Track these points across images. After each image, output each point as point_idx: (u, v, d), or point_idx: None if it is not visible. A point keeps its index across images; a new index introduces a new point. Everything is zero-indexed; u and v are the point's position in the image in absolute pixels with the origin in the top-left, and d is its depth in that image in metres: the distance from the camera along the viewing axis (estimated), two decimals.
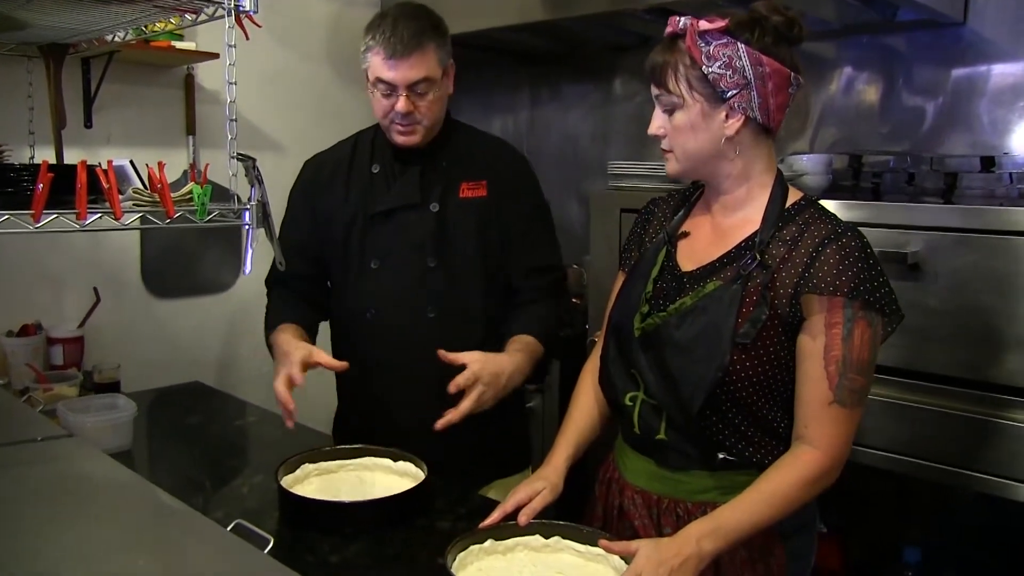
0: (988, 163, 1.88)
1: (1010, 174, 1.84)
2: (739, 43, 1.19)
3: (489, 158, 1.74)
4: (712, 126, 1.22)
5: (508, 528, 1.26)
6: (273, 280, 1.78)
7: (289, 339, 1.57)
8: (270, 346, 1.65)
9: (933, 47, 2.19)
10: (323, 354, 1.51)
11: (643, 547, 1.15)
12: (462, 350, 1.57)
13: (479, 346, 1.61)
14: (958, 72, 2.17)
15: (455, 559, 1.18)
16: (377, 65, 1.56)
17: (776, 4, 1.22)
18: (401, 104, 1.56)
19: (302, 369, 1.46)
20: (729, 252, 1.26)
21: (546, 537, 1.25)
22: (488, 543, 1.23)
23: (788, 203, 1.26)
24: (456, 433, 1.47)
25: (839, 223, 1.22)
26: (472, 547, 1.22)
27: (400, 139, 1.61)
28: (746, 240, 1.25)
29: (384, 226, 1.65)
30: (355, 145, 1.75)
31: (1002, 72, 2.11)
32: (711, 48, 1.19)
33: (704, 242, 1.31)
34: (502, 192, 1.70)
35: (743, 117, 1.20)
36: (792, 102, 1.24)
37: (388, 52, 1.54)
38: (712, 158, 1.24)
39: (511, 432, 1.78)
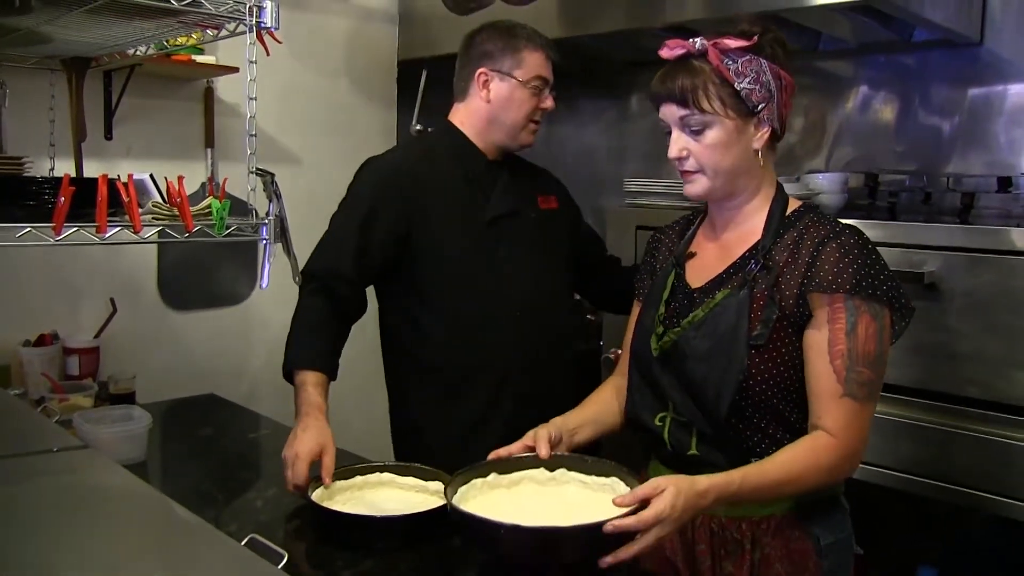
0: (1005, 183, 1.87)
1: None
2: (761, 59, 1.24)
3: (548, 176, 1.87)
4: (744, 140, 1.26)
5: (512, 462, 1.25)
6: (313, 279, 1.62)
7: (307, 411, 1.48)
8: (289, 376, 1.58)
9: (949, 67, 2.18)
10: (329, 457, 1.41)
11: (668, 493, 1.08)
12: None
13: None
14: (974, 92, 2.16)
15: (456, 492, 1.17)
16: (540, 63, 1.66)
17: (763, 21, 1.28)
18: (550, 101, 1.68)
19: (308, 467, 1.41)
20: (735, 263, 1.29)
21: (551, 470, 1.24)
22: (492, 477, 1.22)
23: (788, 211, 1.30)
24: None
25: (837, 223, 1.26)
26: (475, 481, 1.21)
27: (530, 139, 1.70)
28: (749, 250, 1.29)
29: (492, 231, 1.69)
30: (430, 155, 1.73)
31: (1019, 92, 2.09)
32: (738, 65, 1.23)
33: (710, 258, 1.34)
34: (569, 207, 1.86)
35: (769, 128, 1.26)
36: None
37: (550, 52, 1.68)
38: (742, 173, 1.28)
39: None
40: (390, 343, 1.78)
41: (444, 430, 1.70)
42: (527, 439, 1.30)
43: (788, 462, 1.19)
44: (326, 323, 1.62)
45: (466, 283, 1.68)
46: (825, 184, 2.06)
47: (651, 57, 2.67)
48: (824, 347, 1.19)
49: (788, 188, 2.03)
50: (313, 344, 1.58)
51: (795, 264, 1.23)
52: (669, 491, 1.09)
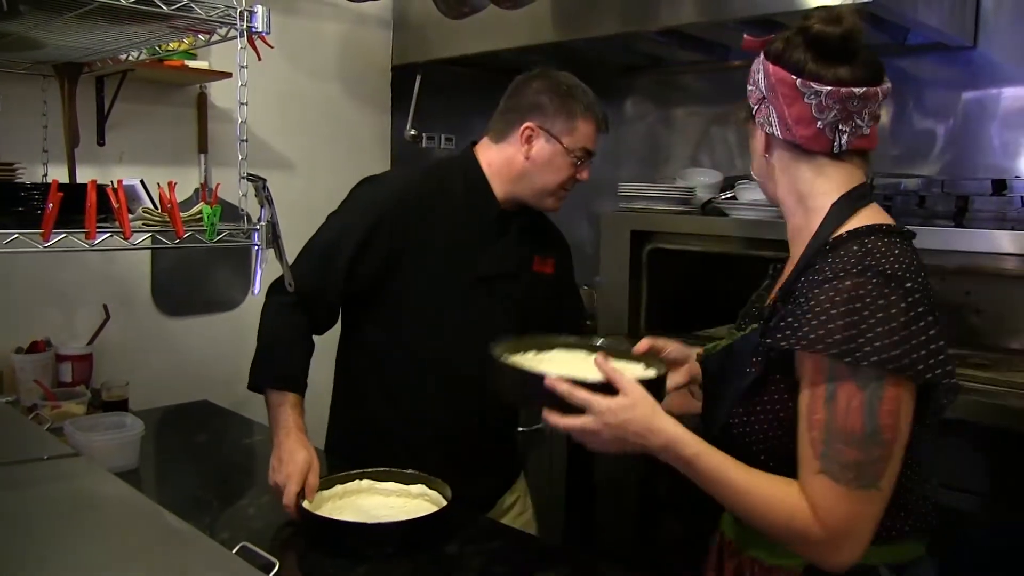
0: (999, 186, 1.87)
1: (1021, 197, 1.82)
2: (763, 55, 1.14)
3: (553, 234, 1.77)
4: (754, 145, 1.19)
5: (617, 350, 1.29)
6: (295, 291, 1.48)
7: (288, 432, 1.45)
8: (261, 390, 1.54)
9: (943, 70, 2.18)
10: (314, 476, 1.41)
11: (618, 398, 1.08)
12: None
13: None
14: (968, 95, 2.16)
15: (529, 352, 1.28)
16: (591, 136, 1.59)
17: (831, 14, 1.10)
18: (587, 173, 1.62)
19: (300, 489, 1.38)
20: (778, 291, 1.15)
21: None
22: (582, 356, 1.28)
23: (840, 231, 1.09)
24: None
25: (862, 260, 1.02)
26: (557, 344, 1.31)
27: (556, 206, 1.64)
28: (788, 278, 1.15)
29: (481, 286, 1.61)
30: (443, 186, 1.62)
31: (1012, 95, 2.10)
32: (752, 65, 1.17)
33: (781, 280, 1.22)
34: (563, 274, 1.75)
35: (761, 133, 1.15)
36: (821, 114, 1.08)
37: (603, 126, 1.61)
38: (764, 180, 1.19)
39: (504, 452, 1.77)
40: (349, 357, 1.71)
41: (379, 450, 1.60)
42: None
43: (758, 483, 1.05)
44: (302, 339, 1.58)
45: (439, 329, 1.60)
46: None
47: (646, 62, 2.71)
48: (805, 412, 1.03)
49: None
50: (290, 362, 1.54)
51: (796, 307, 1.05)
52: (621, 399, 1.08)
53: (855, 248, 1.05)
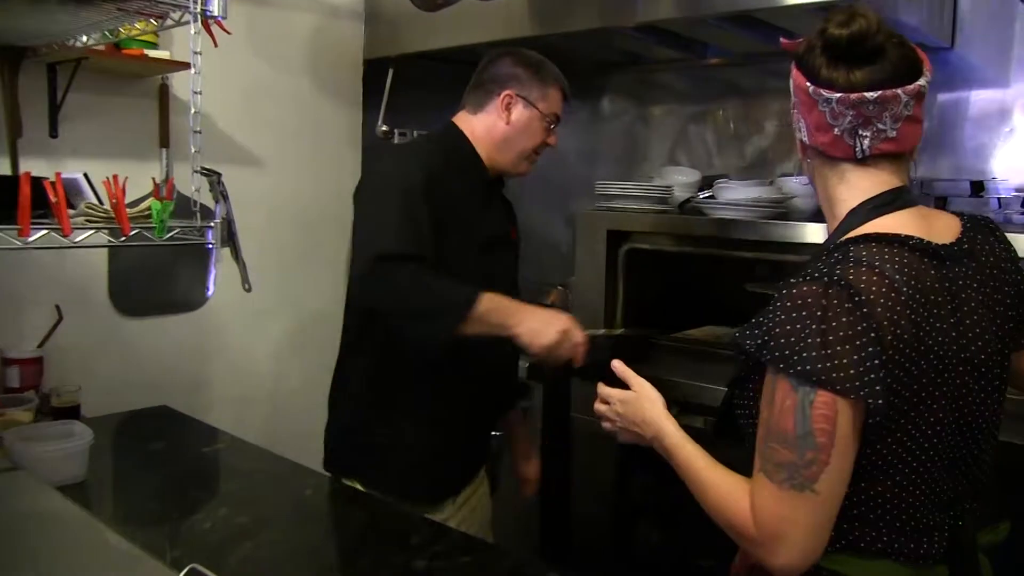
0: (977, 187, 1.85)
1: (998, 199, 1.82)
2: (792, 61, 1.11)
3: (510, 204, 1.90)
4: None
5: None
6: (402, 260, 1.47)
7: (531, 306, 1.54)
8: (454, 331, 1.47)
9: None
10: None
11: (630, 395, 1.24)
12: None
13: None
14: (945, 96, 2.16)
15: None
16: (559, 102, 1.75)
17: (844, 16, 1.05)
18: (555, 138, 1.77)
19: None
20: None
21: None
22: None
23: (846, 236, 1.06)
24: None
25: (832, 268, 1.00)
26: None
27: (529, 169, 1.77)
28: None
29: (484, 251, 1.71)
30: (448, 160, 1.67)
31: (988, 97, 2.09)
32: None
33: None
34: (519, 241, 1.89)
35: (797, 139, 1.14)
36: (836, 120, 1.05)
37: (568, 91, 1.77)
38: (812, 185, 1.17)
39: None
40: (369, 344, 1.68)
41: (415, 440, 1.67)
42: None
43: (716, 478, 1.08)
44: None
45: None
46: (798, 188, 2.04)
47: (624, 58, 2.66)
48: (760, 409, 1.04)
49: (758, 191, 2.02)
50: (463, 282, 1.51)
51: (767, 308, 1.05)
52: (627, 392, 1.25)
53: (838, 255, 1.02)
